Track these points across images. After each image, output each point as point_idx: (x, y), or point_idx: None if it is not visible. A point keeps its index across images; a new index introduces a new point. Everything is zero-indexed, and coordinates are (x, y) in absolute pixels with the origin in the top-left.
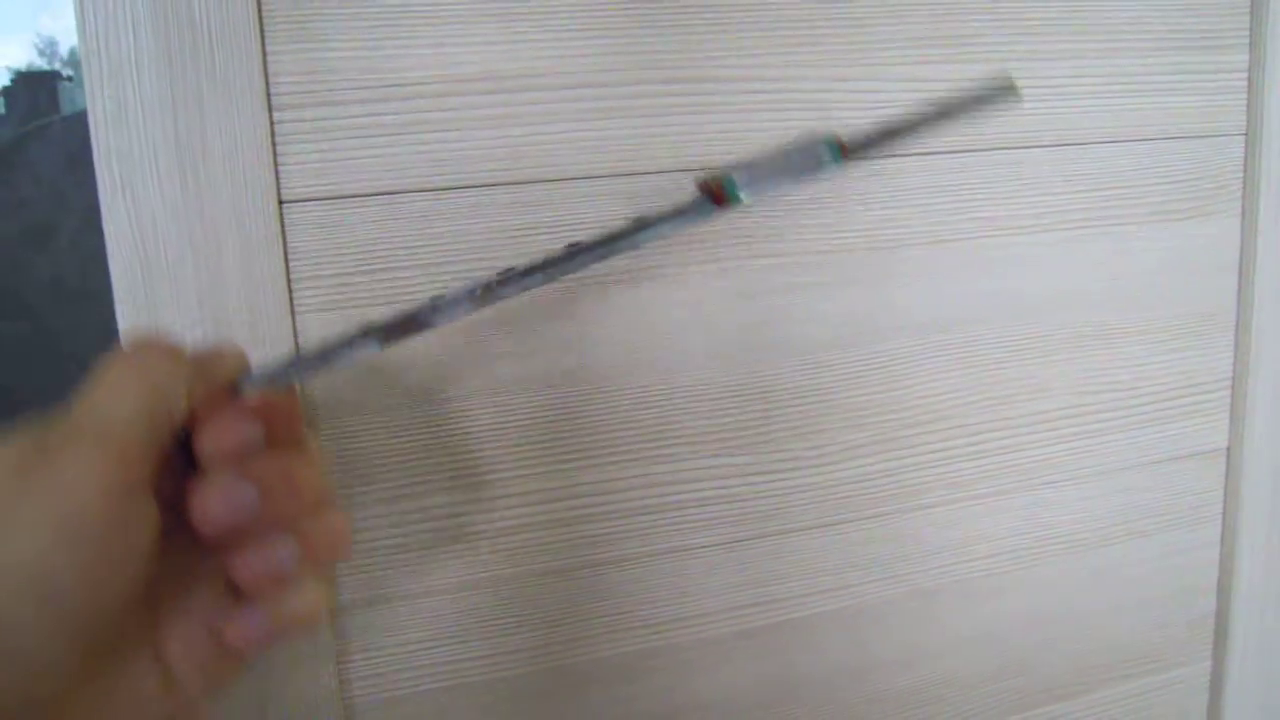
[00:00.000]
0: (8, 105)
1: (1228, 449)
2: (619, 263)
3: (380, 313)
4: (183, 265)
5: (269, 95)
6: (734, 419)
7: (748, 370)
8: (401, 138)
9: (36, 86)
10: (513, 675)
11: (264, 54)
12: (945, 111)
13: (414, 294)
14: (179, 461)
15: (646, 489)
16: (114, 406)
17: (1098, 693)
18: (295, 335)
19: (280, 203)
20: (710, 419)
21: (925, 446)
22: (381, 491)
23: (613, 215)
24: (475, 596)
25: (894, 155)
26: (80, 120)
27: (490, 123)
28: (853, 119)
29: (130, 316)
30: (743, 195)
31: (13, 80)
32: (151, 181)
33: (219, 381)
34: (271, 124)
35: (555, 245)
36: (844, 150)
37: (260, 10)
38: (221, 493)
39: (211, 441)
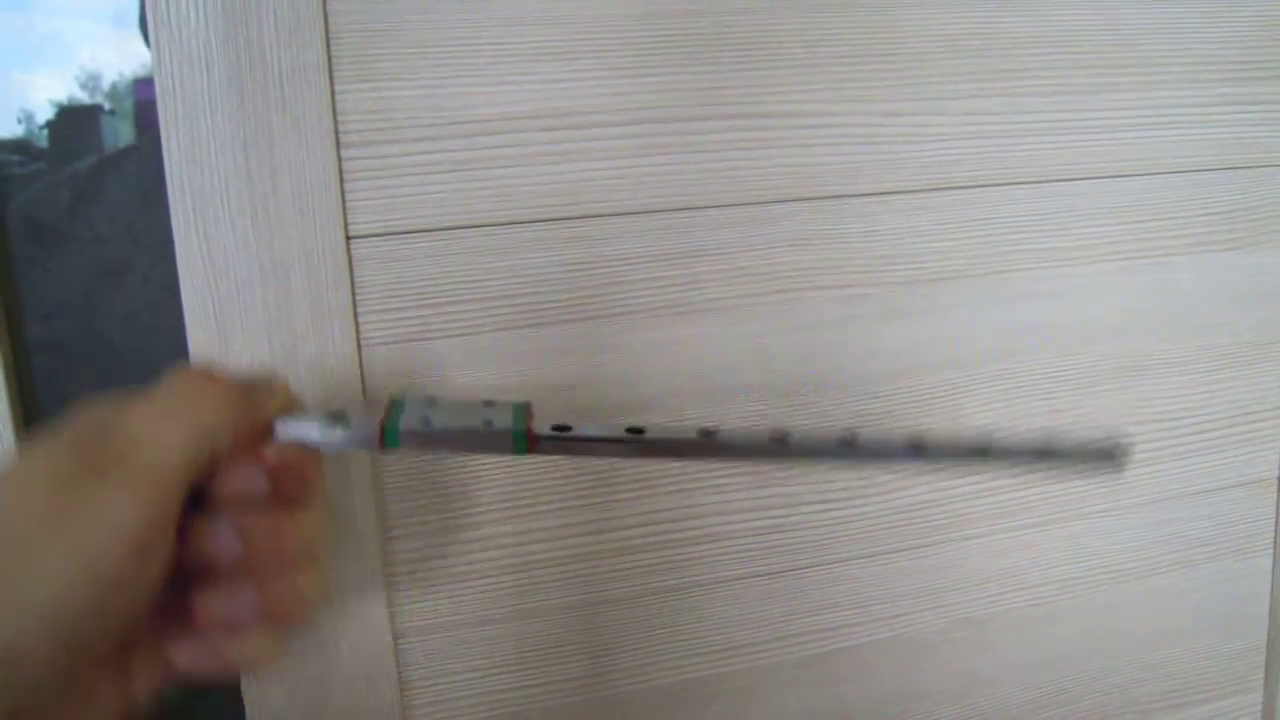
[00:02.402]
0: (51, 139)
1: (1279, 478)
2: (671, 294)
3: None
4: (252, 298)
5: (337, 133)
6: None
7: (801, 401)
8: (464, 174)
9: (80, 121)
10: (569, 703)
11: (332, 93)
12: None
13: (476, 329)
14: None
15: (700, 519)
16: (164, 439)
17: None
18: (361, 367)
19: (348, 238)
20: None
21: (972, 477)
22: (441, 521)
23: (670, 251)
24: (533, 625)
25: (945, 189)
26: (137, 154)
27: (551, 159)
28: (907, 153)
29: (201, 347)
30: (400, 439)
31: (56, 114)
32: (223, 216)
33: (259, 420)
34: (339, 161)
35: (610, 280)
36: (530, 442)
37: (329, 50)
38: (213, 537)
39: (225, 483)
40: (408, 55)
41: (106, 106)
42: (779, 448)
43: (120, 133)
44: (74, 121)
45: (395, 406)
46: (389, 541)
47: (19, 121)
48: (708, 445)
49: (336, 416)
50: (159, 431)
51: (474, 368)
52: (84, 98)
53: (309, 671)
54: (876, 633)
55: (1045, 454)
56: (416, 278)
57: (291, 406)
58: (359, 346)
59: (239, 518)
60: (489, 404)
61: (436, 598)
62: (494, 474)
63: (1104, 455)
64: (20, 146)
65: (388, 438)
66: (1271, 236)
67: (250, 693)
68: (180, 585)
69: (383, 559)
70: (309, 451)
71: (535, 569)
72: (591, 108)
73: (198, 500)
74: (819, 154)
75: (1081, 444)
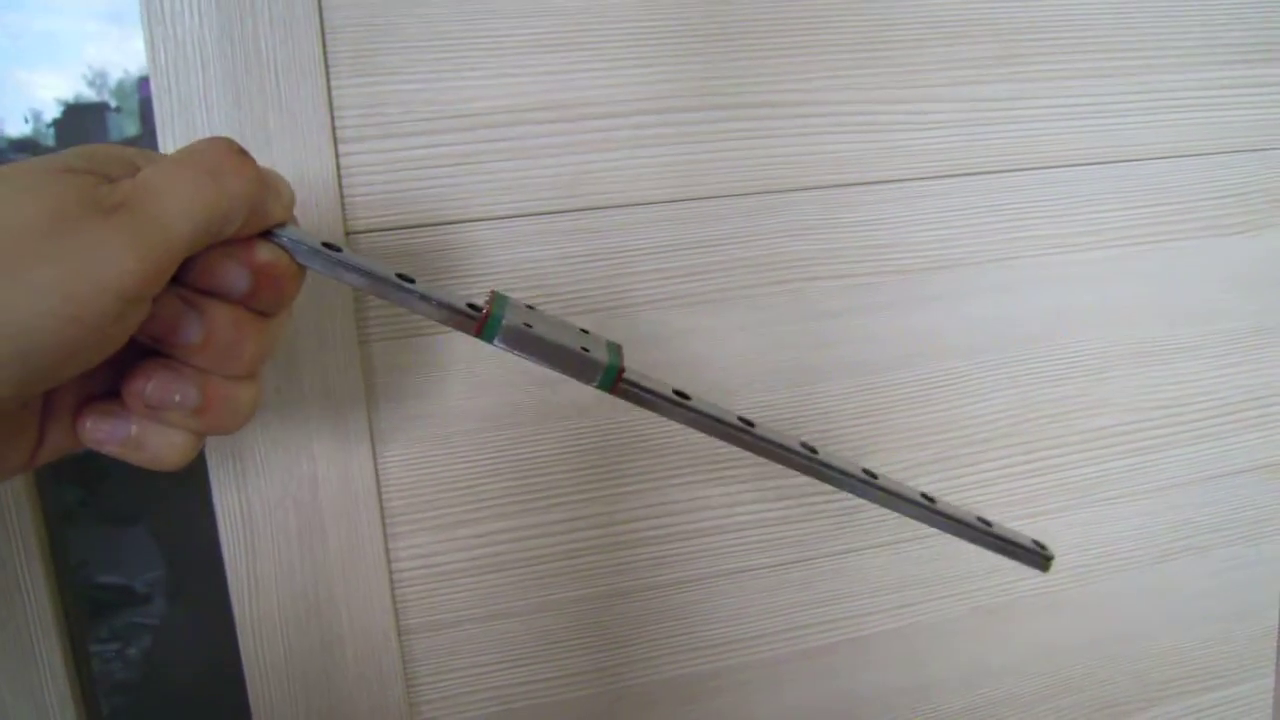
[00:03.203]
0: (58, 138)
1: None
2: (673, 285)
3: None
4: None
5: (334, 128)
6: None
7: (808, 391)
8: (464, 168)
9: (86, 118)
10: (578, 697)
11: (329, 88)
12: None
13: None
14: None
15: (708, 510)
16: (179, 203)
17: (1159, 709)
18: (362, 363)
19: (347, 234)
20: None
21: (983, 464)
22: (448, 517)
23: (672, 242)
24: (542, 619)
25: (946, 176)
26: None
27: (551, 151)
28: (907, 140)
29: None
30: (497, 340)
31: (63, 112)
32: None
33: (264, 217)
34: (337, 156)
35: (612, 271)
36: (616, 380)
37: (325, 45)
38: (176, 318)
39: (207, 269)
40: (404, 49)
41: (113, 104)
42: (804, 460)
43: (126, 130)
44: (80, 120)
45: (499, 301)
46: (393, 539)
47: (25, 120)
48: (744, 435)
49: (332, 246)
50: (177, 191)
51: (475, 362)
52: (91, 95)
53: (315, 670)
54: (885, 623)
55: (982, 534)
56: (416, 273)
57: (292, 214)
58: (360, 342)
59: (209, 306)
60: (585, 332)
61: (443, 594)
62: (502, 468)
63: (1032, 555)
64: (28, 146)
65: (489, 326)
66: (1278, 220)
67: (256, 691)
68: (121, 357)
69: (387, 556)
70: (296, 266)
71: (542, 563)
72: (590, 99)
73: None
74: (819, 143)
75: (1014, 537)
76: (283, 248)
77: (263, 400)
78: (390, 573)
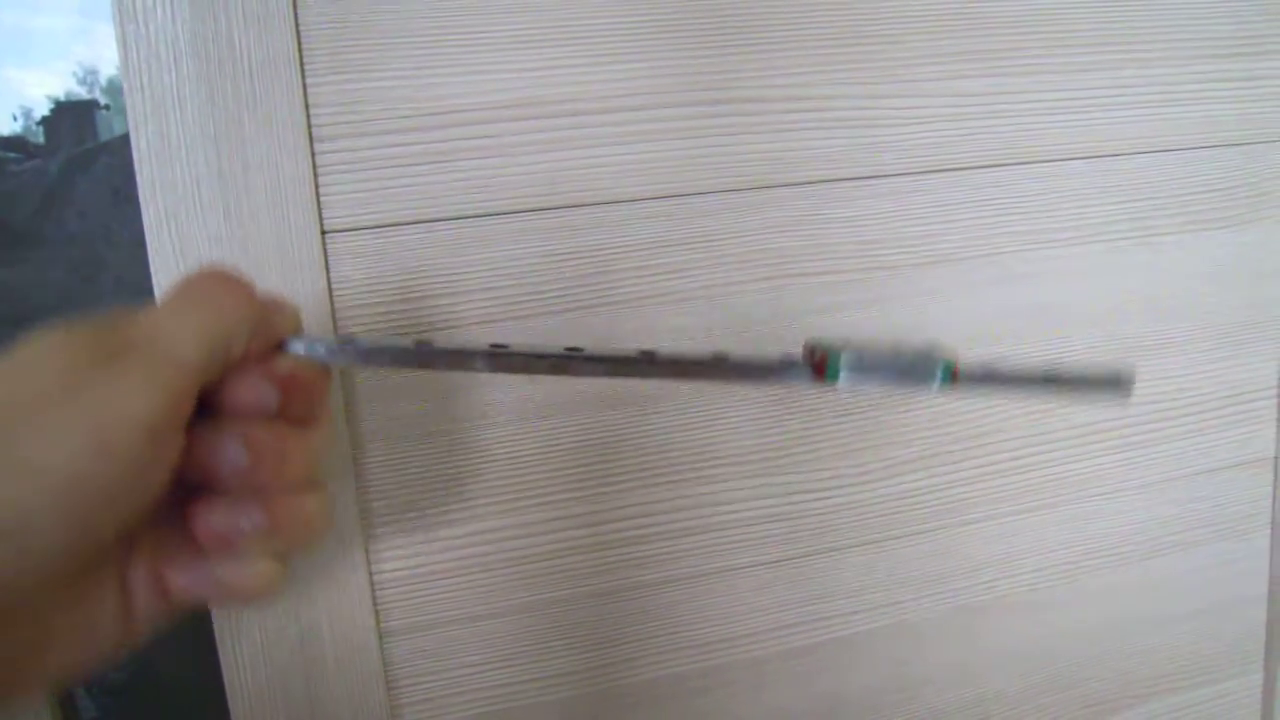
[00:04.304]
0: (47, 135)
1: (1275, 458)
2: (657, 283)
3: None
4: None
5: (310, 126)
6: (776, 438)
7: (788, 389)
8: (441, 165)
9: (75, 116)
10: (563, 698)
11: (304, 86)
12: (1061, 385)
13: (458, 321)
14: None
15: (692, 510)
16: (182, 333)
17: (1148, 705)
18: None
19: (323, 233)
20: (753, 439)
21: (969, 462)
22: (431, 516)
23: (655, 239)
24: (525, 620)
25: (930, 171)
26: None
27: (530, 148)
28: (892, 135)
29: None
30: (842, 378)
31: (52, 110)
32: (195, 214)
33: (272, 335)
34: (313, 155)
35: (594, 269)
36: (955, 377)
37: (300, 42)
38: (218, 447)
39: (234, 393)
40: (380, 47)
41: (102, 102)
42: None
43: (116, 127)
44: (69, 117)
45: (827, 349)
46: (373, 540)
47: (14, 118)
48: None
49: (346, 339)
50: (178, 324)
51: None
52: (82, 93)
53: (295, 673)
54: (873, 621)
55: (1052, 381)
56: (394, 272)
57: (299, 328)
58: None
59: (247, 427)
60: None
61: (425, 595)
62: (483, 468)
63: (1110, 383)
64: (16, 143)
65: (830, 369)
66: (1263, 214)
67: (234, 695)
68: (182, 501)
69: (367, 557)
70: (319, 370)
71: (525, 563)
72: (568, 95)
73: (204, 409)
74: (802, 138)
75: (1087, 372)
76: (299, 355)
77: (334, 505)
78: (370, 574)
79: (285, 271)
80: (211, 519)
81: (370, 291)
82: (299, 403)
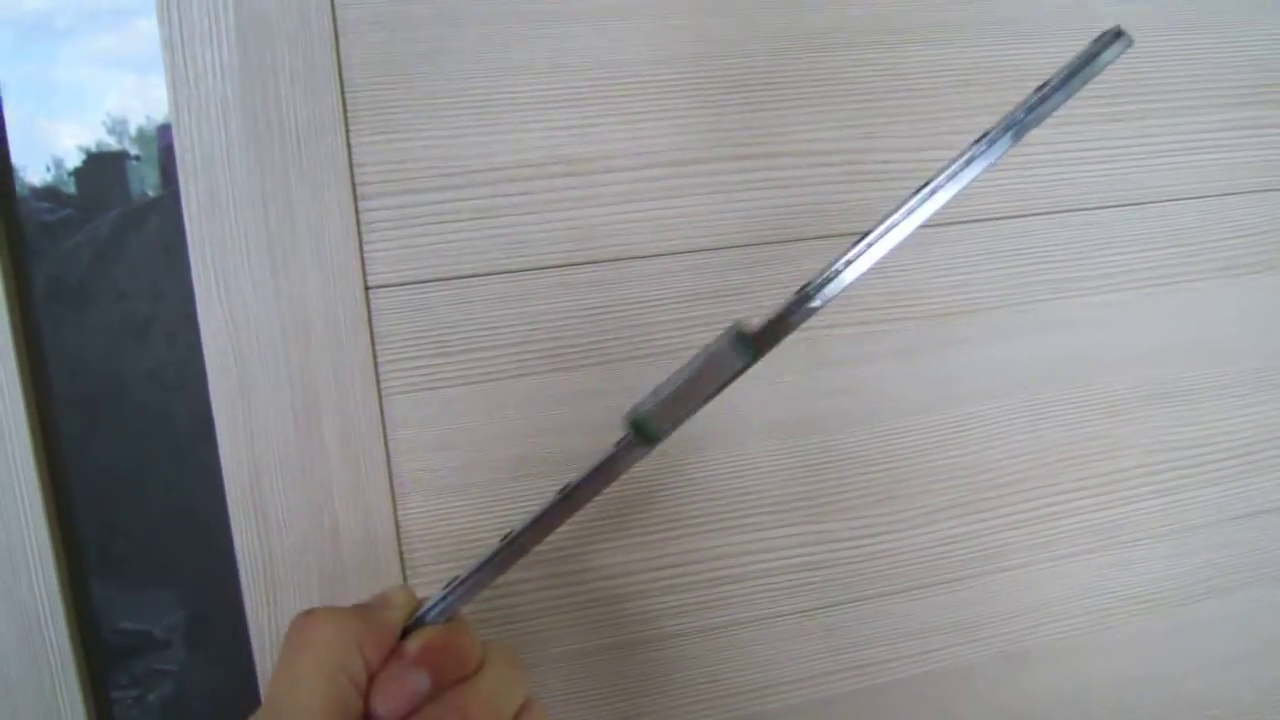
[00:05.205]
0: (79, 186)
1: None
2: (690, 336)
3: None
4: (273, 350)
5: (354, 184)
6: (812, 487)
7: (823, 438)
8: (481, 222)
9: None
10: None
11: (349, 145)
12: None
13: (496, 374)
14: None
15: (729, 558)
16: (300, 701)
17: None
18: (382, 416)
19: (366, 288)
20: (788, 487)
21: (1004, 509)
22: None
23: (687, 292)
24: (562, 669)
25: (959, 223)
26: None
27: (566, 205)
28: None
29: (223, 400)
30: (665, 429)
31: (84, 161)
32: (243, 269)
33: (390, 632)
34: (357, 212)
35: (628, 323)
36: (756, 341)
37: (345, 103)
38: None
39: (385, 700)
40: (422, 106)
41: (133, 153)
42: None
43: (146, 178)
44: (101, 168)
45: (632, 420)
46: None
47: (48, 169)
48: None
49: (449, 584)
50: (296, 691)
51: (494, 413)
52: (111, 143)
53: None
54: (909, 669)
55: (1065, 79)
56: (435, 326)
57: (415, 607)
58: (379, 395)
59: (422, 708)
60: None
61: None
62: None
63: (1106, 43)
64: (50, 194)
65: (648, 433)
66: None
67: None
68: None
69: None
70: (449, 625)
71: (562, 613)
72: (605, 153)
73: None
74: (833, 192)
75: (1074, 58)
76: (435, 615)
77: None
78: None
79: (329, 326)
80: None
81: (412, 345)
82: (448, 666)
